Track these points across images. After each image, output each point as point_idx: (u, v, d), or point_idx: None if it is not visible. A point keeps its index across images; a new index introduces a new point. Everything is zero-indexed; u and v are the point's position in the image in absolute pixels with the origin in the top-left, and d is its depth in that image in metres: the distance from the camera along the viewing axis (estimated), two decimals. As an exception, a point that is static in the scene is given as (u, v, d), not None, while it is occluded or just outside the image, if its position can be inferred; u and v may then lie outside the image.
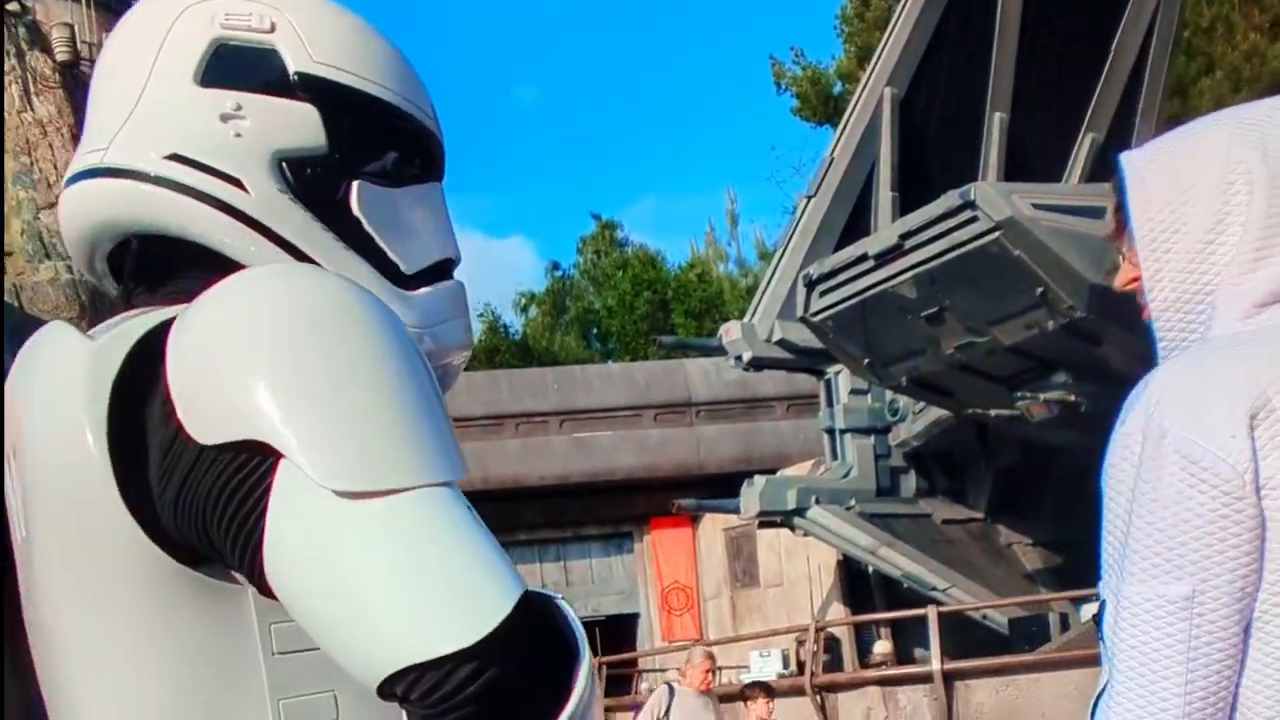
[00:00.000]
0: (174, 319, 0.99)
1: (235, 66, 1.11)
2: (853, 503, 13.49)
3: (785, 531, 14.36)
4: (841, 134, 14.41)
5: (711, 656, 8.63)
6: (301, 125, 1.12)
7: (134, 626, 1.00)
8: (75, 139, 21.59)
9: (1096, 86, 14.43)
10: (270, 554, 0.93)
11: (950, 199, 10.79)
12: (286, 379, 0.93)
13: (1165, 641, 1.18)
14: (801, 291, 12.61)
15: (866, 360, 12.25)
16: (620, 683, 15.33)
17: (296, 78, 1.12)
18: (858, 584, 14.72)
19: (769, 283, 14.52)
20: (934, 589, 12.46)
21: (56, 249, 21.53)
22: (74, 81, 21.94)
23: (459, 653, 0.88)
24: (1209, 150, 1.34)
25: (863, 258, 11.63)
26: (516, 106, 64.08)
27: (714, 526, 17.29)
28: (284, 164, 1.11)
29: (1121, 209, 1.39)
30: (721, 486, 15.32)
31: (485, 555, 0.92)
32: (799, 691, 10.78)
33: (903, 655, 12.74)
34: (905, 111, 14.13)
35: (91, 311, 20.90)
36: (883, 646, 12.79)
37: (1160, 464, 1.19)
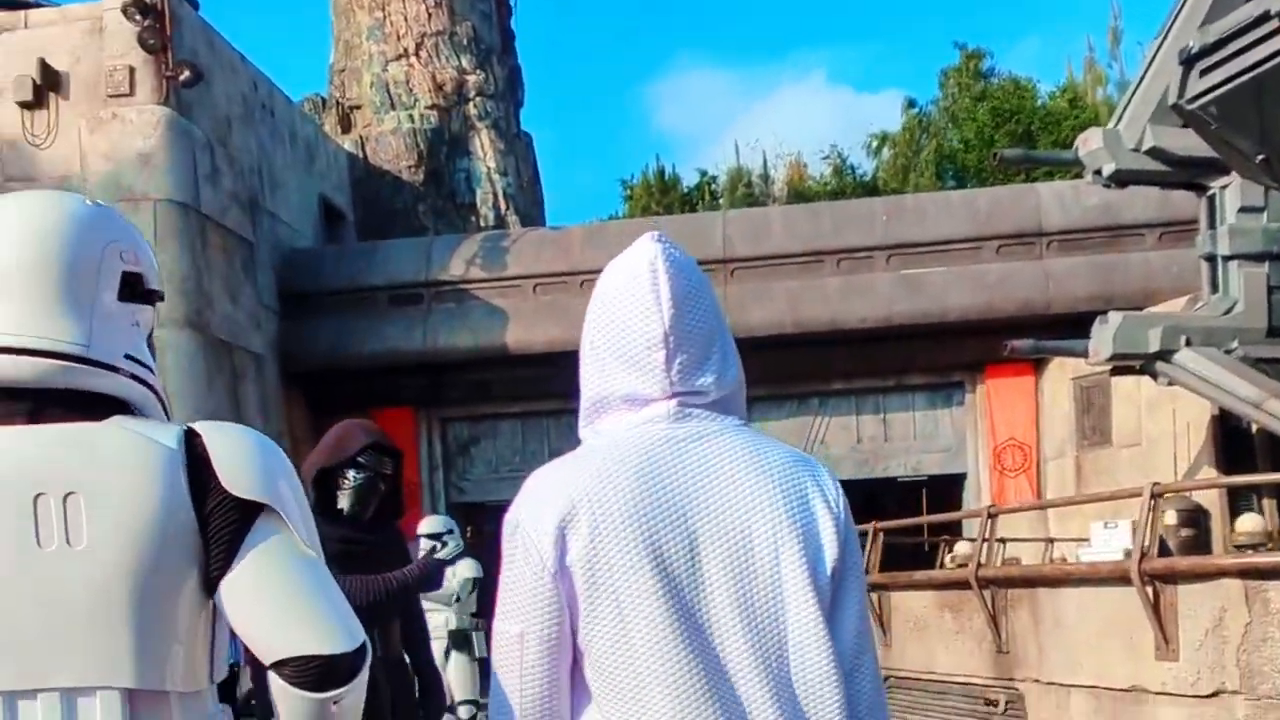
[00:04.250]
0: (189, 430, 1.84)
1: (132, 288, 1.89)
2: (1235, 345, 10.81)
3: (1147, 381, 11.84)
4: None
5: None
6: (153, 317, 1.96)
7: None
8: (424, -6, 21.97)
9: None
10: (240, 559, 1.78)
11: (1394, -76, 7.92)
12: (286, 483, 1.85)
13: (507, 662, 1.87)
14: (1178, 74, 10.00)
15: (1261, 156, 9.54)
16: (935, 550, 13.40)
17: (152, 292, 1.93)
18: (1236, 446, 11.96)
19: (1142, 79, 11.77)
20: (1336, 453, 9.75)
21: (401, 100, 21.78)
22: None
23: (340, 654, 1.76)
24: None
25: (1264, 17, 8.91)
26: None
27: (1061, 375, 14.78)
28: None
29: None
30: (1073, 329, 12.86)
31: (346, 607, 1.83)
32: (1123, 579, 7.84)
33: (1292, 537, 10.10)
34: None
35: (429, 160, 21.00)
36: (1251, 522, 10.01)
37: (512, 544, 1.88)
